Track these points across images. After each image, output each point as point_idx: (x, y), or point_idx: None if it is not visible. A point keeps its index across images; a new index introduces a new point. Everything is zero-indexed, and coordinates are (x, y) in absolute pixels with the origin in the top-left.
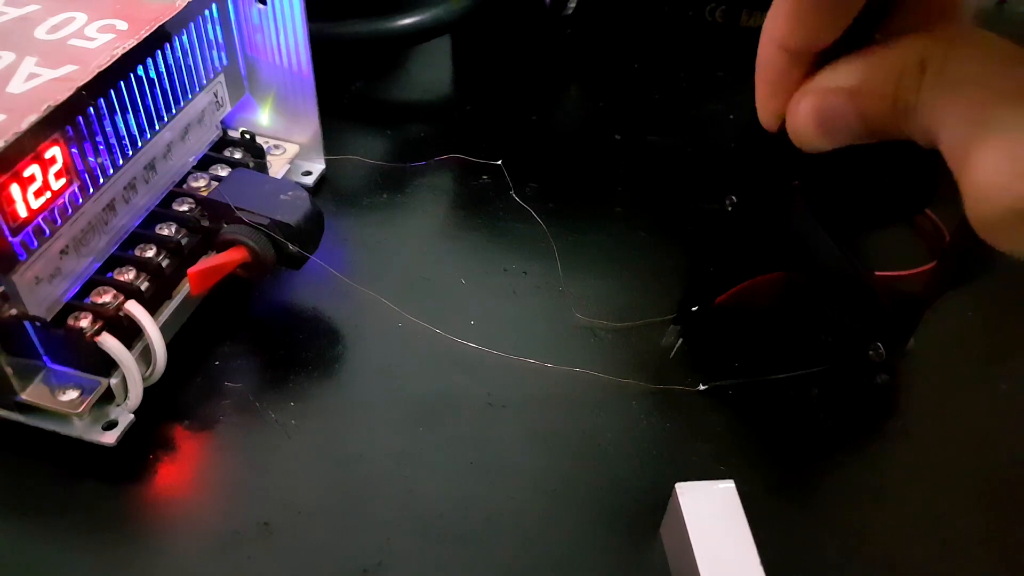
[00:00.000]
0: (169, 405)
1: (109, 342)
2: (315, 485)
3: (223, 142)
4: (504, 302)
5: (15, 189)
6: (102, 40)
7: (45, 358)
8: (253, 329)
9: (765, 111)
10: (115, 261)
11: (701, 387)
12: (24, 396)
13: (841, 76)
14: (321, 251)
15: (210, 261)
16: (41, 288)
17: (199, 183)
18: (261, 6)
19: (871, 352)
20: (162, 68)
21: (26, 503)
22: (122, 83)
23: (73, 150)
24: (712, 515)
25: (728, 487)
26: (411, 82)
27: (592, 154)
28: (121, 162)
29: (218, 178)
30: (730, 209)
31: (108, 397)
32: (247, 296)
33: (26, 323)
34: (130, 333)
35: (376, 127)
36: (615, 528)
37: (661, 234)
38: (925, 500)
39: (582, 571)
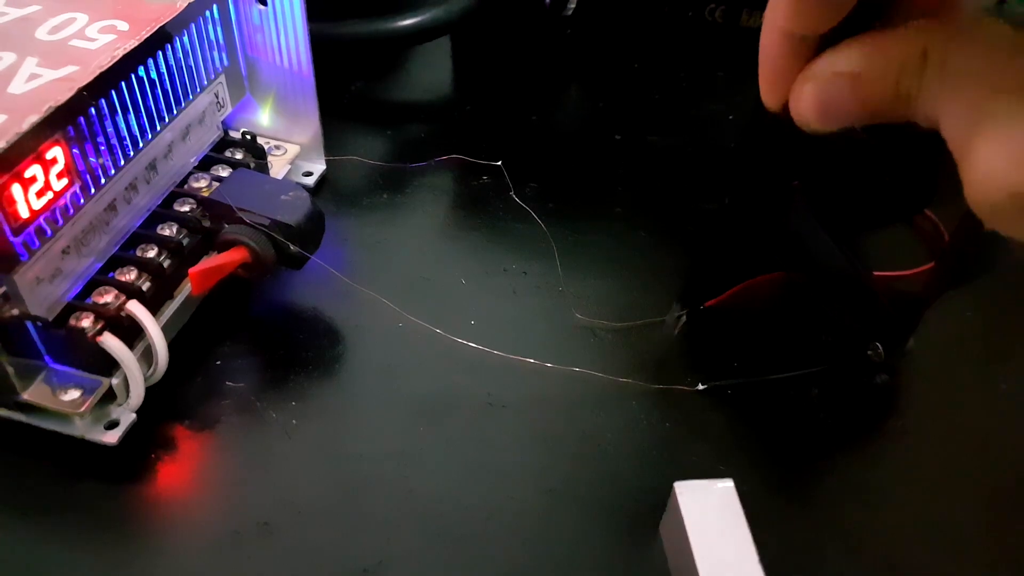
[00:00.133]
0: (170, 405)
1: (111, 342)
2: (315, 485)
3: (224, 143)
4: (504, 302)
5: (16, 189)
6: (103, 41)
7: (47, 358)
8: (254, 329)
9: (768, 95)
10: (116, 261)
11: (700, 387)
12: (25, 396)
13: (843, 61)
14: (322, 251)
15: (211, 261)
16: (43, 288)
17: (200, 183)
18: (262, 7)
19: (870, 352)
20: (163, 69)
21: (27, 503)
22: (123, 84)
23: (74, 150)
24: (711, 514)
25: (727, 486)
26: (411, 82)
27: (592, 154)
28: (122, 162)
29: (219, 178)
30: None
31: (109, 397)
32: (248, 296)
33: (28, 323)
34: (131, 333)
35: (376, 127)
36: (614, 527)
37: (661, 234)
38: (924, 500)
39: (582, 570)
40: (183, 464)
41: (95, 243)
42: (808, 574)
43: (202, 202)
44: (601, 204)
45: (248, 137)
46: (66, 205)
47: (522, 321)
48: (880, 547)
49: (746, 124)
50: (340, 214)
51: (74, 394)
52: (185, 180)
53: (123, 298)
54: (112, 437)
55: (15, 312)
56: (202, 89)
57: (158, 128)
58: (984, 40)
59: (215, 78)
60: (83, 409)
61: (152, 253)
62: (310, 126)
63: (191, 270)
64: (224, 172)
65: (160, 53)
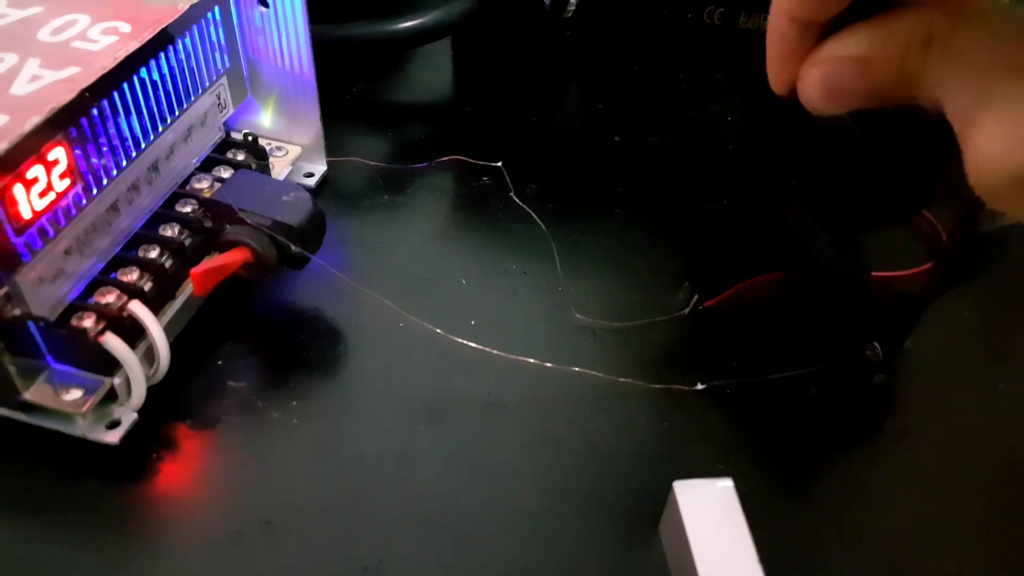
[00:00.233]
0: (171, 405)
1: (113, 342)
2: (316, 484)
3: (226, 144)
4: (504, 302)
5: (19, 190)
6: (105, 42)
7: (48, 358)
8: (255, 329)
9: (776, 80)
10: (118, 262)
11: (700, 386)
12: (27, 395)
13: (849, 45)
14: (323, 252)
15: (213, 262)
16: (45, 288)
17: (202, 184)
18: (263, 8)
19: (868, 352)
20: (165, 70)
21: (28, 502)
22: (125, 85)
23: (76, 151)
24: (710, 513)
25: (726, 485)
26: (412, 84)
27: (592, 155)
28: (124, 163)
29: (221, 179)
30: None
31: (111, 396)
32: (249, 296)
33: (30, 323)
34: (133, 333)
35: (377, 129)
36: (614, 526)
37: (661, 234)
38: (924, 499)
39: (581, 569)
40: (184, 463)
41: (97, 243)
42: (808, 574)
43: (204, 203)
44: (601, 204)
45: (250, 138)
46: (68, 206)
47: (522, 321)
48: (880, 547)
49: (745, 125)
50: (341, 215)
51: (76, 394)
52: (187, 181)
53: (125, 298)
54: (114, 437)
55: (17, 312)
56: (204, 90)
57: (160, 129)
58: (988, 21)
59: (217, 80)
60: (85, 409)
61: (154, 254)
62: (311, 127)
63: (193, 270)
64: (226, 173)
65: (162, 55)
